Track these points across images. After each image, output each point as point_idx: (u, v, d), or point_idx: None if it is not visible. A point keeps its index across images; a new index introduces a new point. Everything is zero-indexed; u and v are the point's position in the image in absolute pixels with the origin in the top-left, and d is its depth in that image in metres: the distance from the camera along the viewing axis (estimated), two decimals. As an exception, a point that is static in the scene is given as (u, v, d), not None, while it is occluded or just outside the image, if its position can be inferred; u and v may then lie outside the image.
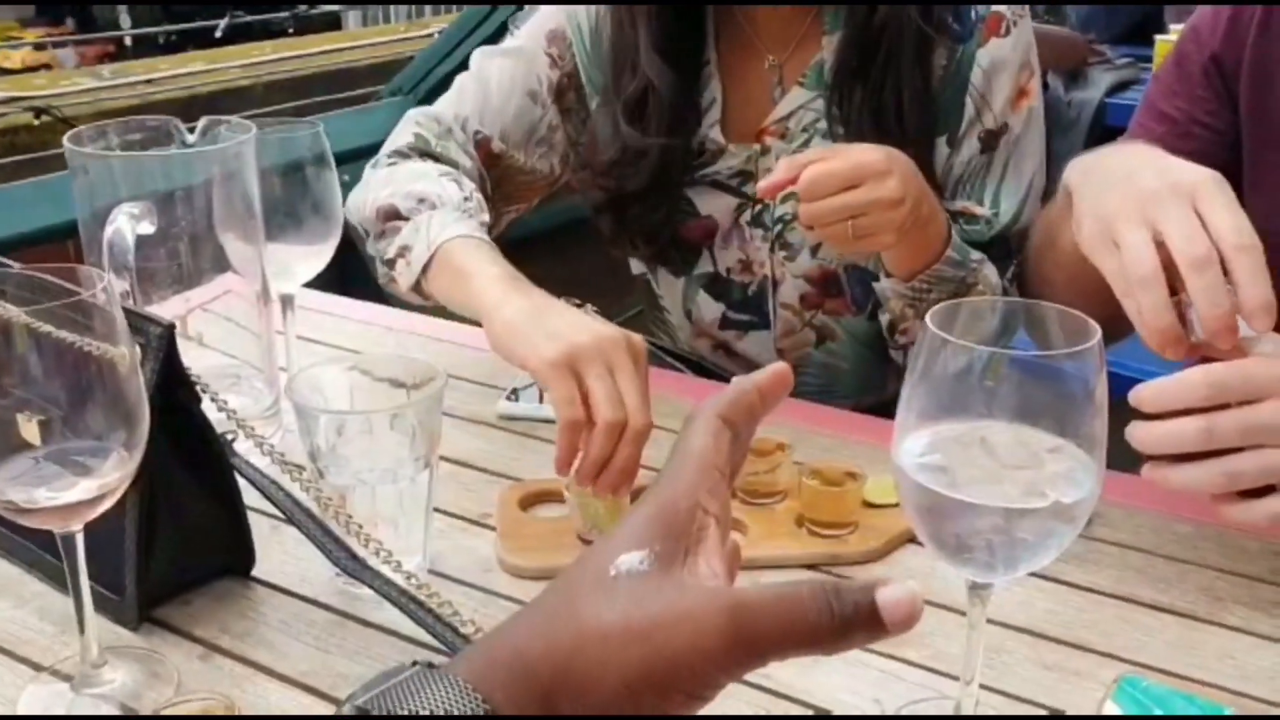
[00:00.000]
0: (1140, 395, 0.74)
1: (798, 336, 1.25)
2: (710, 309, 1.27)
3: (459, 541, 0.86)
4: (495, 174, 1.18)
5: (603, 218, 1.24)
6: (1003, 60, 1.11)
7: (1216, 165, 1.04)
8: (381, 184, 1.09)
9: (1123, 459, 1.01)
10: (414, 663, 0.42)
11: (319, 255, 1.04)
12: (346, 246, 1.10)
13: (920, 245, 1.04)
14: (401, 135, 1.17)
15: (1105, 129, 2.57)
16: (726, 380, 1.27)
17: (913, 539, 0.84)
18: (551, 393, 0.81)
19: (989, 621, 0.75)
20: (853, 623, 0.42)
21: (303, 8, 8.64)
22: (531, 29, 1.21)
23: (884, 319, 1.15)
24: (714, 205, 1.21)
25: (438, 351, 1.18)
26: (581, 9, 1.19)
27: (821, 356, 1.26)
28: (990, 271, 1.10)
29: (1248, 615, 0.77)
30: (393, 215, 1.06)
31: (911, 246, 1.04)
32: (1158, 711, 0.67)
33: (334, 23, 8.29)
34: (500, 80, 1.18)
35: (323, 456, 0.77)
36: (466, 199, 1.04)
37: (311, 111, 2.57)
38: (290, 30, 7.83)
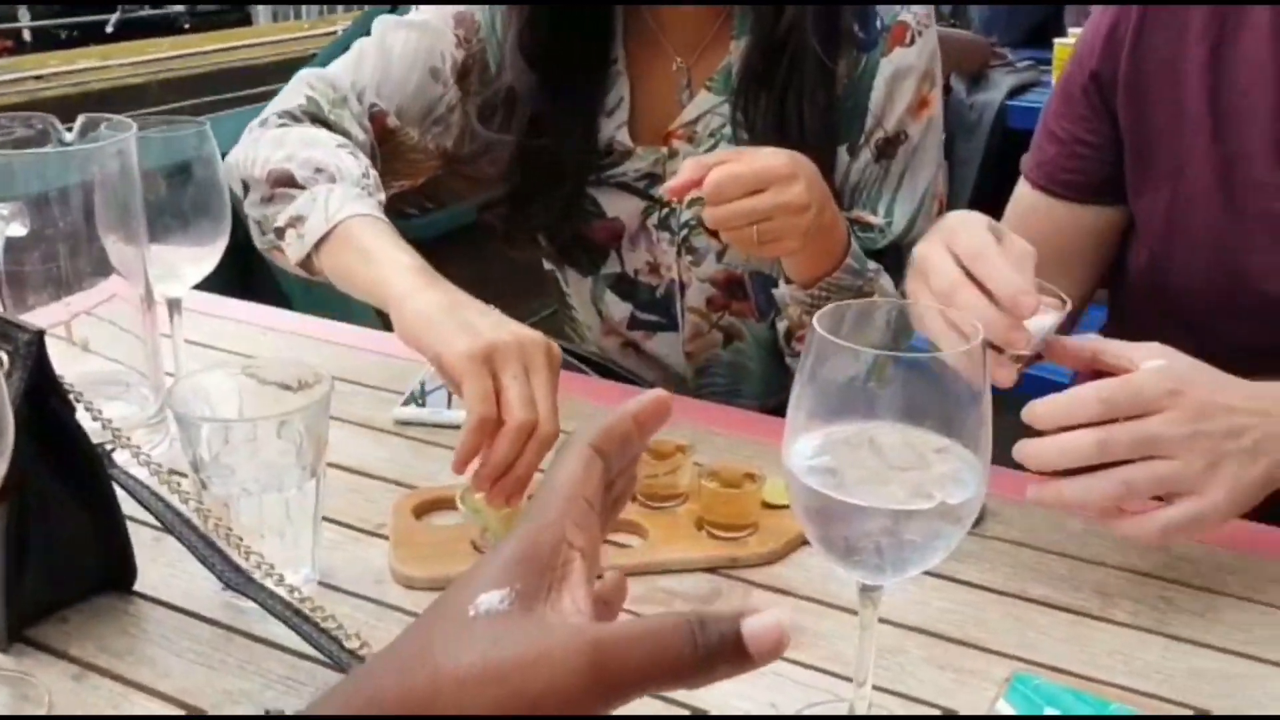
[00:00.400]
0: (1035, 412, 0.76)
1: (705, 339, 1.25)
2: (619, 308, 1.27)
3: (351, 552, 0.84)
4: (386, 149, 1.14)
5: (495, 212, 1.23)
6: (906, 69, 1.12)
7: (1103, 179, 1.08)
8: (272, 145, 1.04)
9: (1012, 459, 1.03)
10: (266, 712, 0.41)
11: (207, 258, 1.00)
12: (246, 249, 1.06)
13: (821, 252, 1.04)
14: (292, 96, 1.11)
15: (1006, 131, 2.62)
16: (632, 382, 1.27)
17: (811, 540, 0.84)
18: (466, 387, 0.78)
19: (884, 621, 0.76)
20: (717, 655, 0.41)
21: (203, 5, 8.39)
22: (439, 5, 1.17)
23: (781, 326, 1.15)
24: (621, 207, 1.20)
25: (331, 355, 1.15)
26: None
27: (729, 356, 1.26)
28: (886, 281, 1.11)
29: (1136, 610, 0.78)
30: (285, 181, 1.00)
31: (813, 253, 1.04)
32: (1049, 710, 0.68)
33: (245, 19, 8.11)
34: (404, 52, 1.14)
35: (206, 466, 0.74)
36: (365, 175, 1.00)
37: (209, 110, 2.50)
38: (186, 26, 7.57)
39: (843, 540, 0.59)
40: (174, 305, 1.03)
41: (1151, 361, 0.77)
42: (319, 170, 0.99)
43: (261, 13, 8.10)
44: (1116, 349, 0.80)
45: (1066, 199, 1.11)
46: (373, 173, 1.03)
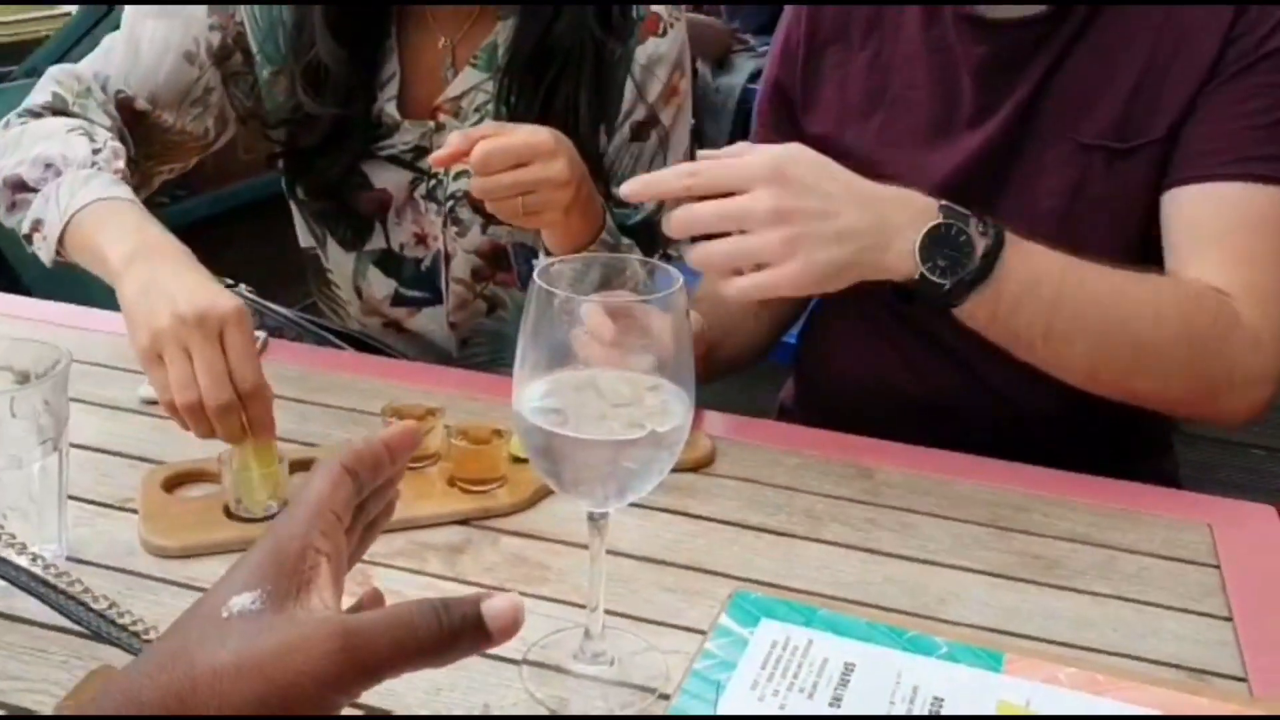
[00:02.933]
0: (634, 188, 0.86)
1: (470, 308, 1.29)
2: (382, 285, 1.29)
3: (99, 528, 0.84)
4: (140, 132, 1.15)
5: (281, 163, 1.27)
6: (659, 57, 1.19)
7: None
8: (9, 150, 1.05)
9: (746, 408, 1.12)
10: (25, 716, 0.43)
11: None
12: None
13: (579, 226, 1.10)
14: (39, 94, 1.12)
15: (747, 113, 2.76)
16: (392, 356, 1.30)
17: (556, 489, 0.90)
18: (150, 380, 0.85)
19: (620, 554, 0.83)
20: (460, 633, 0.46)
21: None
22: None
23: None
24: (388, 179, 1.23)
25: (71, 338, 1.12)
26: None
27: (492, 325, 1.31)
28: (637, 255, 1.18)
29: (840, 531, 0.88)
30: (20, 186, 1.01)
31: (572, 226, 1.09)
32: (765, 620, 0.76)
33: None
34: (153, 39, 1.15)
35: (-62, 447, 0.73)
36: (97, 150, 1.01)
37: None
38: None
39: (571, 473, 0.65)
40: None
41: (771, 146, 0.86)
42: (48, 166, 1.00)
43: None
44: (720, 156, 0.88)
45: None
46: (110, 143, 1.04)
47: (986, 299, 0.87)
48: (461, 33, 1.20)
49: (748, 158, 0.84)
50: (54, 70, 1.15)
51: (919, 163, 1.06)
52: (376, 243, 1.27)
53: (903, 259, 0.85)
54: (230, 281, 1.16)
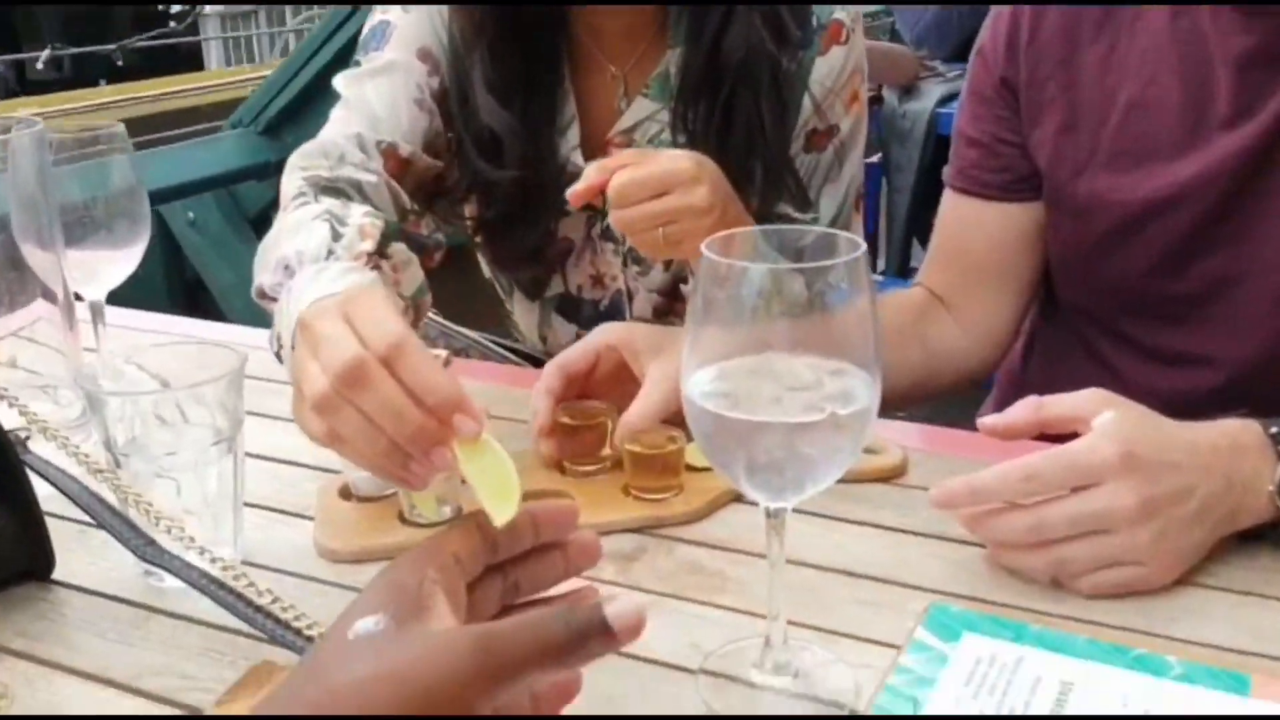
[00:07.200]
0: (952, 493, 0.74)
1: None
2: (564, 330, 1.27)
3: (274, 533, 0.83)
4: (410, 182, 1.08)
5: (477, 242, 1.22)
6: (841, 66, 1.13)
7: (1030, 172, 1.09)
8: (260, 258, 0.94)
9: (943, 416, 1.05)
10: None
11: (124, 260, 1.01)
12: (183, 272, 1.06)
13: None
14: (289, 184, 1.03)
15: (939, 137, 2.67)
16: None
17: (736, 498, 0.85)
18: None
19: (806, 565, 0.77)
20: (586, 633, 0.48)
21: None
22: (396, 45, 1.12)
23: None
24: (568, 224, 1.19)
25: (258, 357, 1.15)
26: (440, 29, 1.12)
27: None
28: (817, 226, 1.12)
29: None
30: (266, 297, 0.91)
31: None
32: (966, 634, 0.68)
33: (193, 59, 7.95)
34: (380, 95, 1.09)
35: (119, 447, 0.74)
36: (337, 236, 0.90)
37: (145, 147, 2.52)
38: (119, 63, 7.14)
39: (743, 462, 0.60)
40: (97, 312, 1.03)
41: (1103, 416, 0.73)
42: (285, 268, 0.90)
43: (214, 55, 8.03)
44: (1060, 408, 0.77)
45: (994, 199, 1.11)
46: (354, 225, 0.92)
47: None
48: (632, 61, 1.16)
49: (1075, 456, 0.72)
50: (294, 158, 1.06)
51: (1162, 170, 0.97)
52: (555, 288, 1.24)
53: (1259, 516, 0.75)
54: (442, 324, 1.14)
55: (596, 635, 0.48)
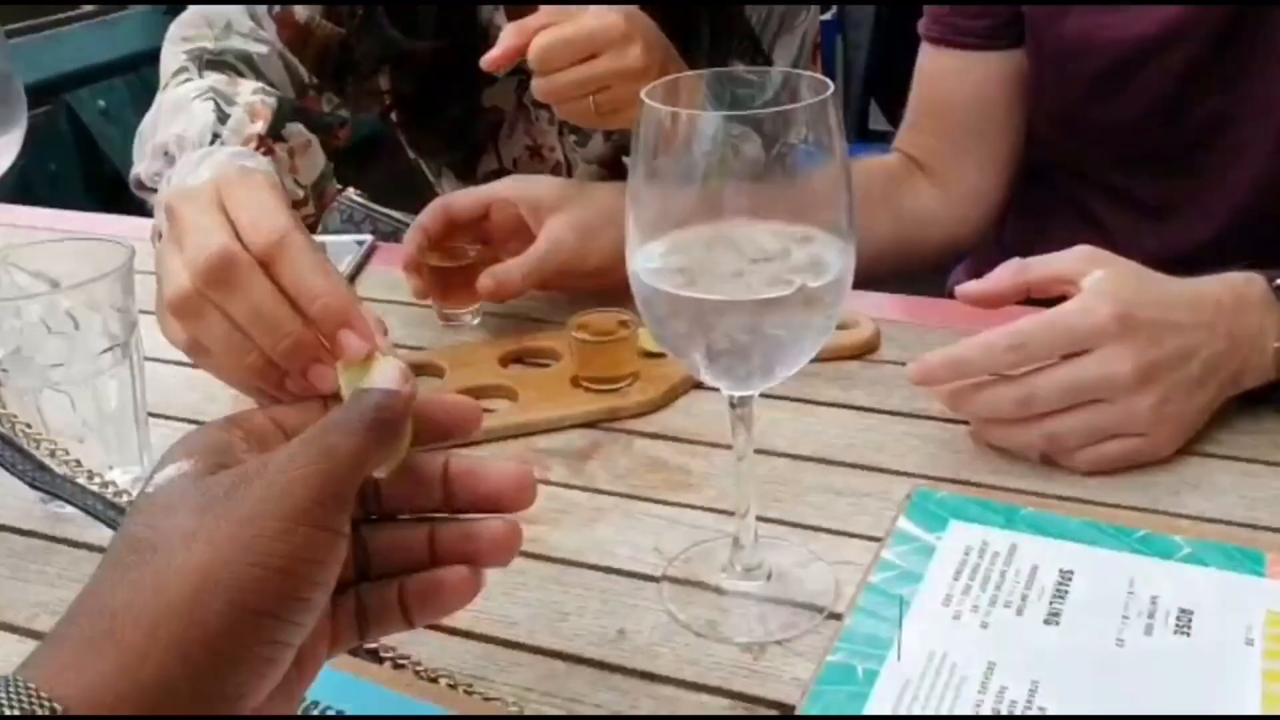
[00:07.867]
0: (931, 367, 0.68)
1: None
2: None
3: (190, 446, 0.75)
4: (311, 53, 0.97)
5: (400, 118, 1.12)
6: None
7: (1008, 19, 0.99)
8: (139, 145, 0.87)
9: (913, 285, 0.98)
10: None
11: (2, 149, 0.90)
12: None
13: None
14: (169, 61, 0.94)
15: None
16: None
17: (698, 385, 0.78)
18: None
19: (775, 454, 0.71)
20: (370, 407, 0.43)
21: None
22: None
23: None
24: (495, 93, 1.09)
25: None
26: None
27: None
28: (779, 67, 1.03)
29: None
30: (145, 188, 0.86)
31: None
32: (954, 521, 0.62)
33: None
34: None
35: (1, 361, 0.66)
36: (224, 118, 0.83)
37: (44, 30, 2.35)
38: None
39: (700, 344, 0.52)
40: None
41: (1094, 275, 0.67)
42: (165, 154, 0.83)
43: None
44: (1046, 269, 0.71)
45: (974, 48, 1.02)
46: (244, 103, 0.85)
47: None
48: None
49: (1068, 319, 0.66)
50: (174, 28, 0.96)
51: (1152, 5, 0.89)
52: (489, 164, 1.14)
53: (1264, 375, 0.68)
54: (339, 186, 1.06)
55: (379, 403, 0.43)
